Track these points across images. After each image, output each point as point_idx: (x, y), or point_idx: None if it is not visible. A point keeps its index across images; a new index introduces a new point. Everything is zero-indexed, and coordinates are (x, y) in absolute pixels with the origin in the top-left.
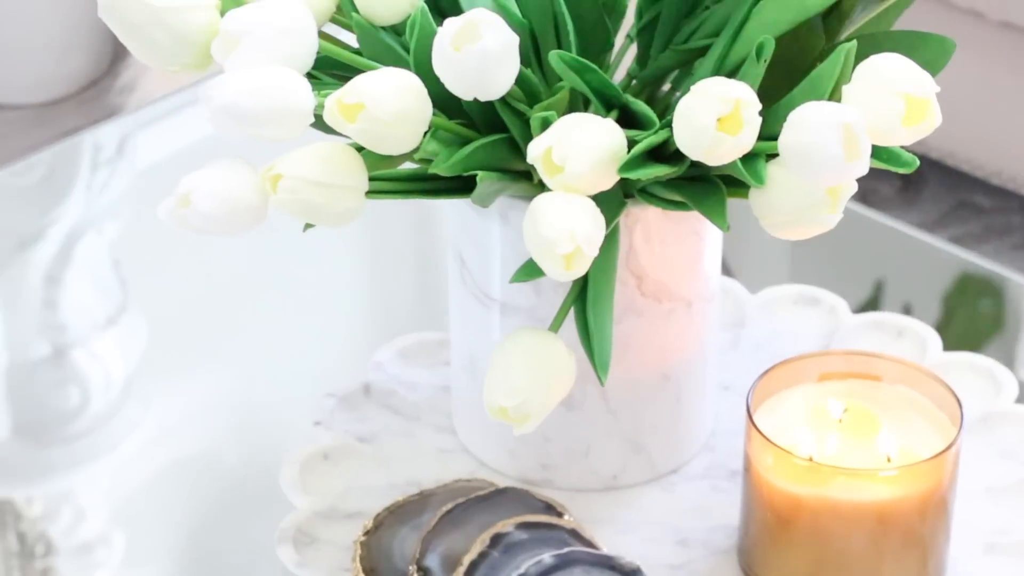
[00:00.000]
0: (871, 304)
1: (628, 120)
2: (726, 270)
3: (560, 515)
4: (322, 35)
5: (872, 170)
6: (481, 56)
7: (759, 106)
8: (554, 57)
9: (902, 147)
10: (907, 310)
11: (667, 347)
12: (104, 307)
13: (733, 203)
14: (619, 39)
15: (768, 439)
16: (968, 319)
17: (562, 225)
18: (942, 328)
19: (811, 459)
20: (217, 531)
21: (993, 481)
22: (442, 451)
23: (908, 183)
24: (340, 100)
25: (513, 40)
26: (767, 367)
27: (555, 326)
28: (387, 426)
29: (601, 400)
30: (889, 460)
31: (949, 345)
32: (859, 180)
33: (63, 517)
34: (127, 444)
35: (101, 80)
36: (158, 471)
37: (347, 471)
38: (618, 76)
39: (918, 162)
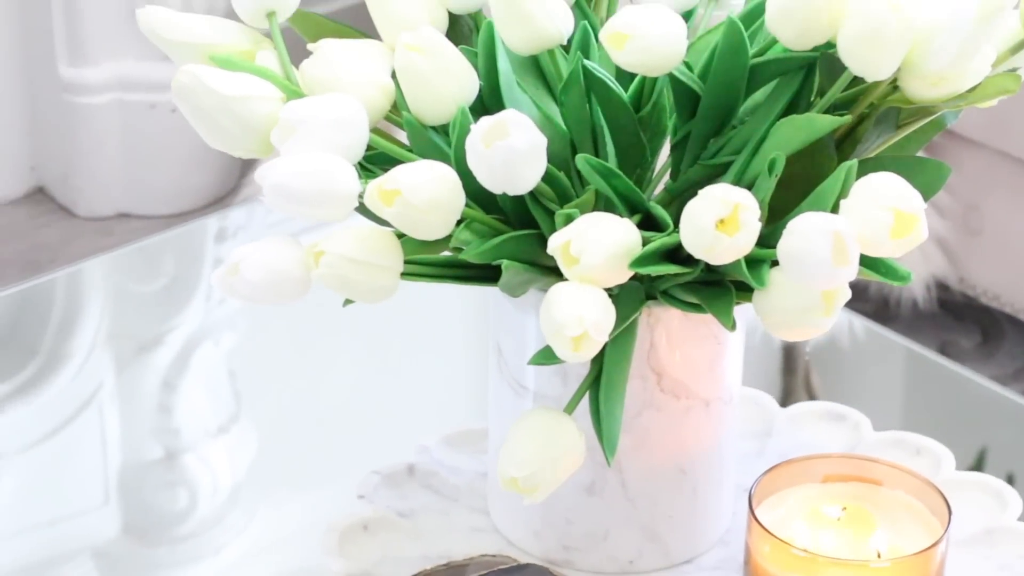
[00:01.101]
0: (970, 463)
1: (652, 226)
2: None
3: None
4: (377, 131)
5: (951, 323)
6: (508, 152)
7: (757, 211)
8: (581, 160)
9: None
10: (1010, 479)
11: (684, 442)
12: (217, 415)
13: None
14: (663, 155)
15: (766, 529)
16: None
17: (572, 311)
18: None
19: (806, 550)
20: None
21: None
22: (474, 529)
23: (987, 337)
24: (380, 186)
25: (540, 140)
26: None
27: (570, 408)
28: (426, 504)
29: (620, 488)
30: (879, 556)
31: None
32: (941, 333)
33: None
34: (231, 549)
35: (227, 196)
36: None
37: (384, 541)
38: (659, 189)
39: (912, 276)
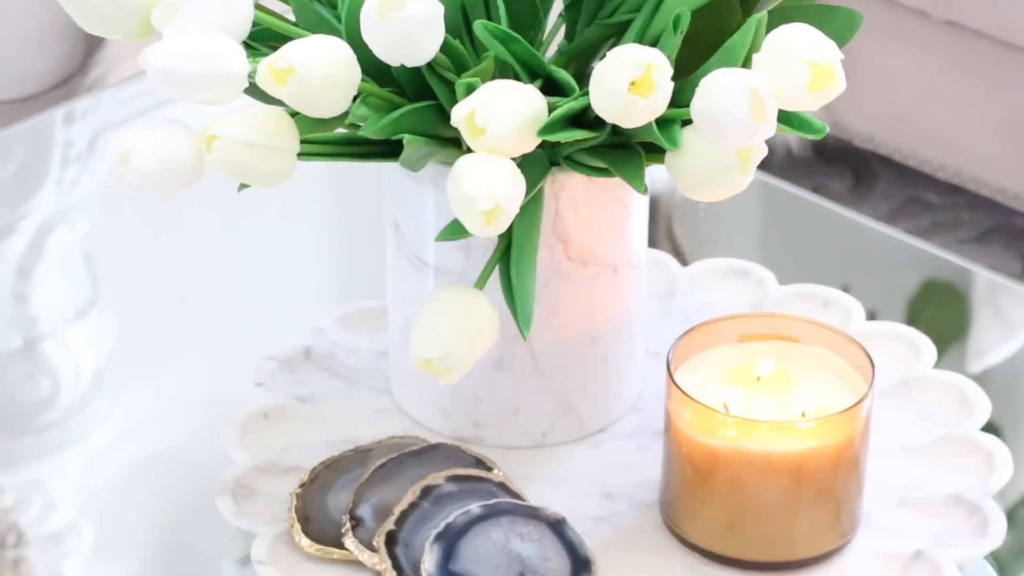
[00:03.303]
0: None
1: (553, 90)
2: (681, 254)
3: (489, 470)
4: (260, 7)
5: (824, 167)
6: (406, 23)
7: (670, 70)
8: (479, 27)
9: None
10: (871, 315)
11: (594, 310)
12: (75, 300)
13: None
14: (552, 18)
15: (686, 394)
16: (938, 323)
17: (483, 183)
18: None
19: (727, 412)
20: (186, 520)
21: (909, 441)
22: (378, 411)
23: (859, 180)
24: (272, 65)
25: (438, 8)
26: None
27: (480, 283)
28: (326, 388)
29: (530, 360)
30: (804, 415)
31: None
32: (812, 176)
33: (33, 507)
34: (97, 435)
35: (73, 77)
36: (128, 462)
37: (286, 429)
38: (550, 53)
39: (827, 128)
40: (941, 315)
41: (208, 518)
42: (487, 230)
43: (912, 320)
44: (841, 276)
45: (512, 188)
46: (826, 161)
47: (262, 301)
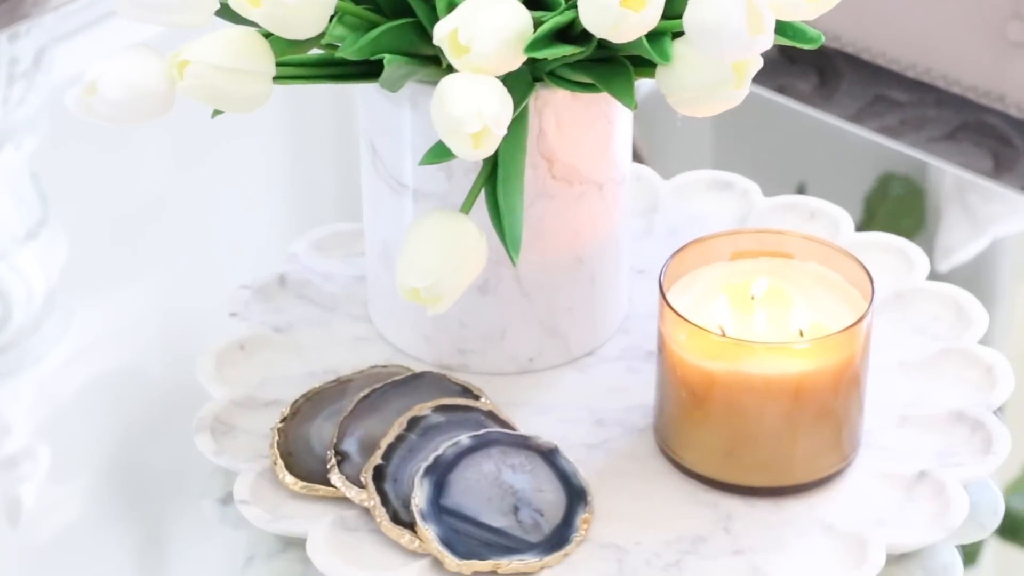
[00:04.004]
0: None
1: (537, 4)
2: (640, 161)
3: (477, 398)
4: None
5: (789, 67)
6: None
7: None
8: None
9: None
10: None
11: (580, 230)
12: (24, 220)
13: (652, 95)
14: None
15: (681, 316)
16: (888, 209)
17: (469, 105)
18: (865, 221)
19: (724, 334)
20: (144, 441)
21: (906, 356)
22: (358, 339)
23: (825, 79)
24: None
25: None
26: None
27: (466, 207)
28: (303, 316)
29: (516, 284)
30: (802, 335)
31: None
32: (776, 77)
33: None
34: (51, 357)
35: None
36: (83, 383)
37: (263, 361)
38: None
39: (823, 38)
40: (899, 209)
41: (165, 438)
42: (475, 153)
43: (870, 216)
44: (799, 174)
45: (500, 108)
46: (791, 61)
47: (221, 220)
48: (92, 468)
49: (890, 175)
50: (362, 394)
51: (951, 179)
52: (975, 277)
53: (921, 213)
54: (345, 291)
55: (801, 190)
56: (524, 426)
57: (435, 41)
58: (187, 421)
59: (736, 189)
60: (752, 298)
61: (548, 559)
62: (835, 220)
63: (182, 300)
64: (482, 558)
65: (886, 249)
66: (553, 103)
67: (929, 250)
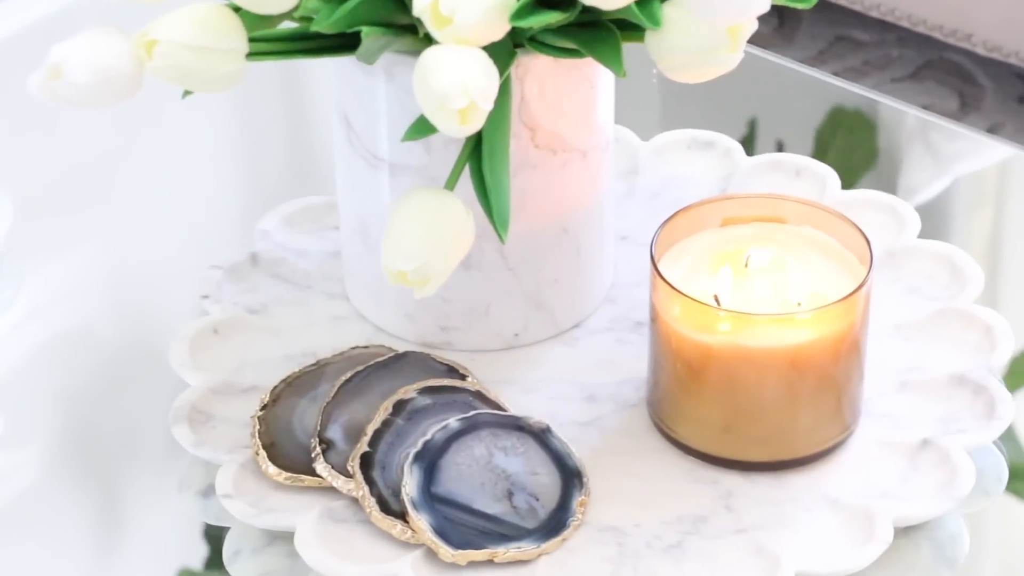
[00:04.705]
0: (746, 142)
1: None
2: None
3: (463, 377)
4: None
5: None
6: None
7: None
8: None
9: None
10: (779, 146)
11: (564, 199)
12: None
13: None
14: None
15: (675, 288)
16: (847, 152)
17: (455, 79)
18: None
19: (721, 307)
20: (98, 410)
21: (902, 318)
22: (336, 318)
23: (784, 20)
24: None
25: None
26: (665, 215)
27: (450, 184)
28: (278, 296)
29: (500, 257)
30: (799, 304)
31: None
32: None
33: None
34: (1, 320)
35: None
36: (34, 350)
37: (239, 345)
38: None
39: None
40: (850, 143)
41: (119, 405)
42: (462, 130)
43: (821, 150)
44: (747, 111)
45: (486, 82)
46: None
47: (173, 183)
48: (46, 436)
49: (839, 109)
50: (344, 378)
51: (913, 119)
52: (934, 212)
53: (873, 146)
54: (320, 268)
55: (752, 124)
56: (513, 405)
57: (415, 12)
58: (145, 395)
59: (718, 148)
60: (746, 265)
61: (546, 545)
62: (821, 178)
63: (139, 267)
64: (477, 547)
65: (875, 207)
66: (535, 70)
67: (877, 180)
